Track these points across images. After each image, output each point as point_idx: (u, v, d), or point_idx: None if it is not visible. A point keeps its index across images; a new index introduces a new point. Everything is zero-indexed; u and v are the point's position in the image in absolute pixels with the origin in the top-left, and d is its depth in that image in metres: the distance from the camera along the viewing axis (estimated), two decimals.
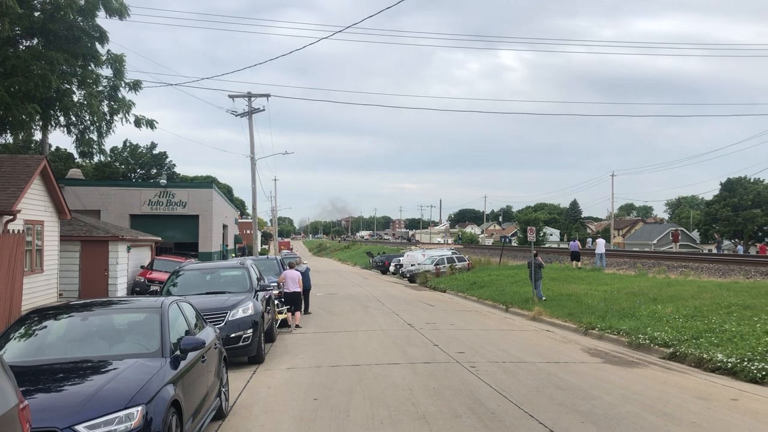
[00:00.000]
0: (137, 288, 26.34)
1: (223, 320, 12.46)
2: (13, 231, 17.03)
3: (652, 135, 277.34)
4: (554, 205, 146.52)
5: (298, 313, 18.99)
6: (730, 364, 11.45)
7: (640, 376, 11.46)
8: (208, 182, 54.66)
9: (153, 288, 25.12)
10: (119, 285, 24.94)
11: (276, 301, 18.09)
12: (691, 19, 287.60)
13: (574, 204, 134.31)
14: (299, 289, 19.27)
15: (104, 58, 24.66)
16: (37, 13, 22.50)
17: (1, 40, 20.83)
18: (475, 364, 12.47)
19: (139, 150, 75.45)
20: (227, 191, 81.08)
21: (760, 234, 75.86)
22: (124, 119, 25.63)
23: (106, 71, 25.13)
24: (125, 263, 25.99)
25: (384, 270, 55.37)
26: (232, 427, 8.40)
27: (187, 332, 7.69)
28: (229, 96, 39.14)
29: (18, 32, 22.69)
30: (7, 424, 3.86)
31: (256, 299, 14.00)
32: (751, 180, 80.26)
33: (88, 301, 8.31)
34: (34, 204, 18.86)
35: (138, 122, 26.03)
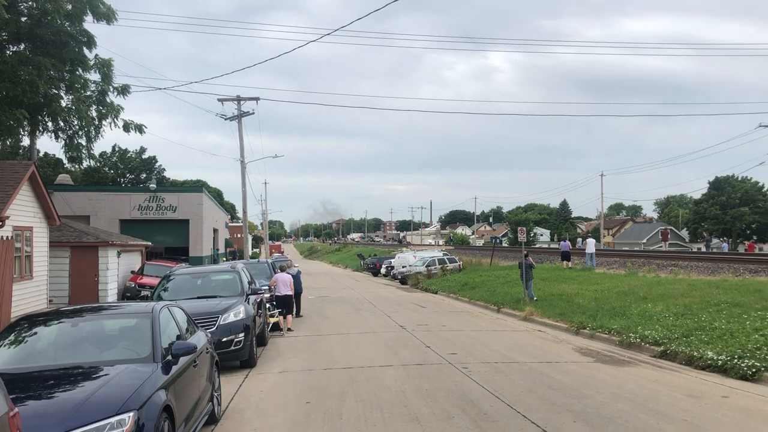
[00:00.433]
0: (128, 293, 26.22)
1: (214, 324, 12.41)
2: (2, 237, 16.92)
3: (640, 135, 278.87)
4: (544, 206, 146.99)
5: (289, 317, 18.96)
6: (720, 362, 11.52)
7: (631, 375, 11.51)
8: (198, 186, 54.57)
9: (144, 293, 25.01)
10: (110, 290, 24.81)
11: (267, 305, 18.04)
12: (676, 19, 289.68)
13: (564, 204, 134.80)
14: (291, 293, 19.24)
15: (92, 62, 24.51)
16: (24, 19, 22.35)
17: None
18: (467, 365, 12.49)
19: (129, 155, 75.19)
20: (217, 195, 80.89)
21: (748, 232, 76.36)
22: (112, 124, 25.47)
23: (94, 76, 24.98)
24: (115, 268, 25.86)
25: (375, 272, 55.37)
26: (225, 431, 8.37)
27: (179, 337, 7.66)
28: (219, 99, 39.11)
29: (5, 38, 22.55)
30: None
31: (248, 303, 13.96)
32: (739, 178, 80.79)
33: (78, 307, 8.26)
34: (22, 210, 18.75)
35: (127, 127, 25.88)
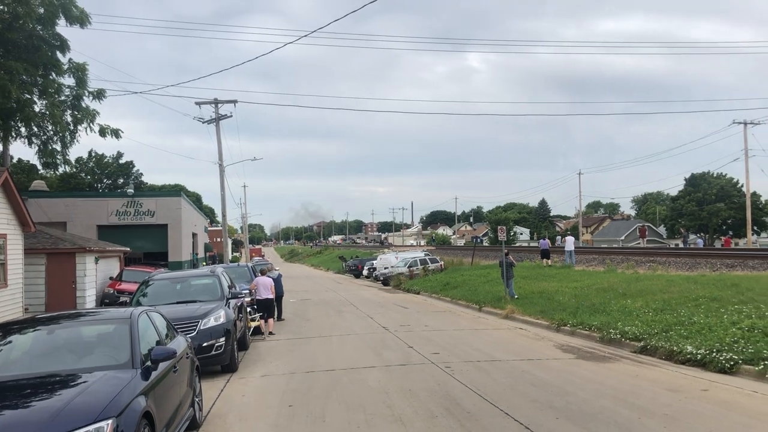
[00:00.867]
0: (106, 300, 25.90)
1: (194, 329, 12.30)
2: None
3: (617, 133, 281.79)
4: (523, 205, 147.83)
5: (271, 320, 18.84)
6: (699, 356, 11.64)
7: (612, 371, 11.59)
8: (176, 191, 54.06)
9: (123, 299, 24.71)
10: (88, 297, 24.48)
11: (248, 309, 17.92)
12: (652, 18, 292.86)
13: (543, 203, 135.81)
14: (272, 296, 19.12)
15: (66, 67, 24.24)
16: None
17: None
18: (450, 364, 12.50)
19: (105, 160, 74.36)
20: (196, 199, 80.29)
21: (724, 227, 77.41)
22: (88, 129, 25.22)
23: (69, 80, 24.71)
24: (93, 275, 25.53)
25: (357, 274, 55.33)
26: None
27: (158, 342, 7.57)
28: (196, 103, 38.83)
29: None
30: None
31: (228, 307, 13.84)
32: (715, 175, 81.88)
33: (54, 314, 8.12)
34: None
35: (103, 132, 25.63)
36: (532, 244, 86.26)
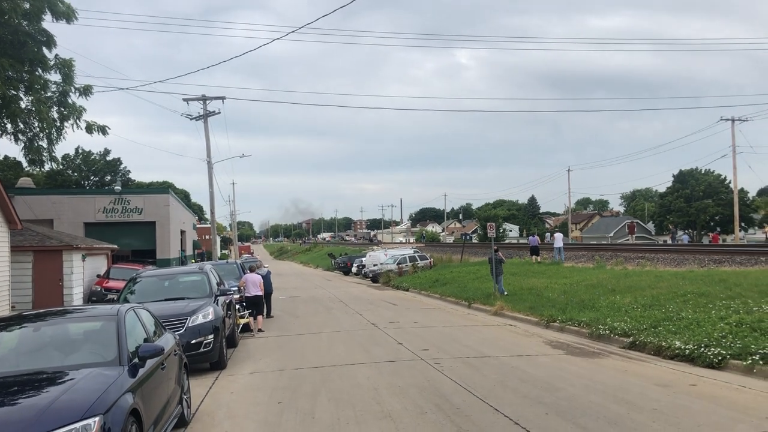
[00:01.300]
0: (94, 297, 25.72)
1: (183, 326, 12.24)
2: None
3: (605, 130, 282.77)
4: (513, 202, 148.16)
5: (260, 317, 18.79)
6: (687, 351, 11.70)
7: (601, 366, 11.62)
8: (164, 188, 53.85)
9: (110, 297, 24.54)
10: (75, 295, 24.30)
11: (237, 306, 17.86)
12: (640, 15, 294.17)
13: (533, 200, 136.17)
14: (261, 293, 19.07)
15: (52, 62, 23.97)
16: None
17: None
18: (439, 360, 12.50)
19: (92, 157, 73.95)
20: (184, 196, 79.96)
21: (712, 224, 77.93)
22: (75, 125, 24.94)
23: (55, 76, 24.43)
24: (80, 272, 25.34)
25: (346, 271, 55.31)
26: None
27: (146, 339, 7.51)
28: (184, 99, 38.55)
29: None
30: None
31: (217, 304, 13.79)
32: (702, 171, 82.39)
33: (41, 311, 8.05)
34: None
35: (90, 128, 25.37)
36: (521, 241, 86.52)
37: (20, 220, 20.91)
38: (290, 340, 16.48)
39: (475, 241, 76.14)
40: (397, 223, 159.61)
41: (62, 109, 24.45)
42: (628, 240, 67.44)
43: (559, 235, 35.92)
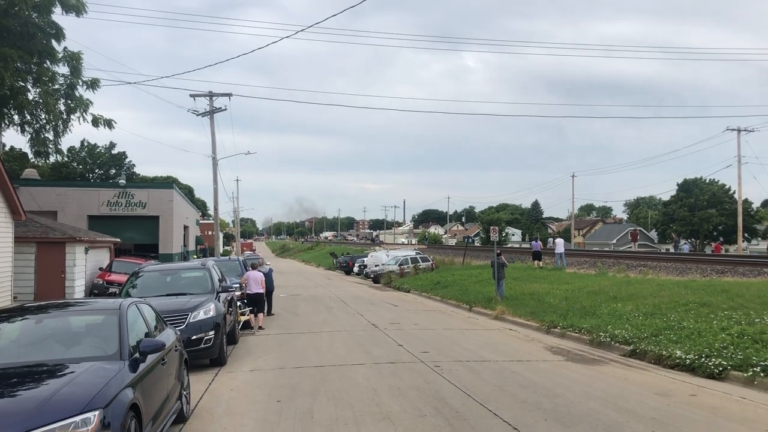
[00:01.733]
0: (95, 290, 25.77)
1: (184, 322, 12.25)
2: None
3: (611, 136, 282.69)
4: (516, 206, 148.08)
5: (261, 315, 18.80)
6: (688, 361, 11.67)
7: (601, 374, 11.60)
8: (168, 183, 53.84)
9: (112, 290, 24.60)
10: (77, 287, 24.35)
11: (238, 303, 17.87)
12: (647, 22, 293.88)
13: (536, 204, 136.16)
14: (262, 291, 19.08)
15: (61, 55, 24.07)
16: None
17: None
18: (439, 363, 12.49)
19: (98, 150, 74.03)
20: (188, 192, 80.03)
21: (715, 233, 77.73)
22: (81, 118, 25.06)
23: (63, 69, 24.55)
24: (83, 265, 25.39)
25: (348, 271, 55.29)
26: (194, 430, 8.25)
27: (147, 334, 7.52)
28: (191, 95, 38.60)
29: None
30: None
31: (218, 301, 13.80)
32: (707, 181, 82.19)
33: (43, 303, 8.06)
34: None
35: (96, 121, 25.47)
36: (523, 246, 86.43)
37: (24, 211, 20.96)
38: (290, 339, 16.49)
39: (478, 245, 76.06)
40: (399, 224, 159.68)
41: (69, 101, 24.54)
42: (630, 247, 67.35)
43: (560, 241, 35.88)
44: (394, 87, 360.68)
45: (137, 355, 6.67)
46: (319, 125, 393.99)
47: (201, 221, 70.01)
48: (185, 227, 46.15)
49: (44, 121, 24.37)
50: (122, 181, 40.31)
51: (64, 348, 6.70)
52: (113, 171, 73.17)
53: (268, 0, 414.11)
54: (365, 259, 51.89)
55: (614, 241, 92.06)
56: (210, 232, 69.51)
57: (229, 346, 14.60)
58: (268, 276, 21.15)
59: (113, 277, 26.27)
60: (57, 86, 24.33)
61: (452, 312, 23.39)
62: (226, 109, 39.53)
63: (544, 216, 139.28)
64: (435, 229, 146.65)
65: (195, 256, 46.78)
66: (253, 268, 20.13)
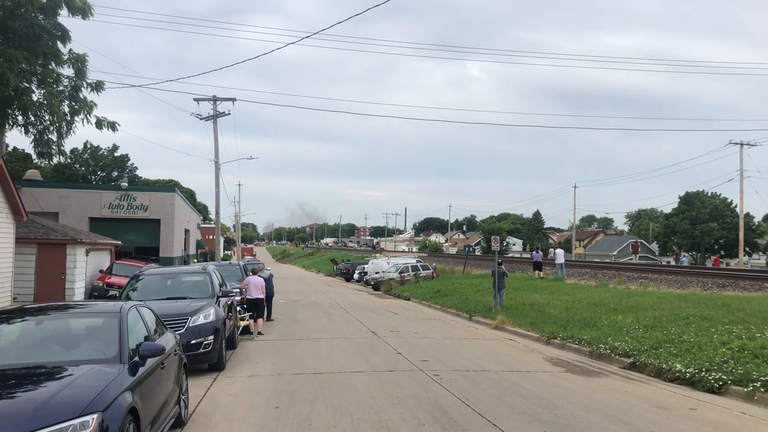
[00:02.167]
0: (95, 293, 25.76)
1: (183, 326, 12.23)
2: None
3: (613, 148, 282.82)
4: (517, 215, 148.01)
5: (260, 320, 18.77)
6: (688, 374, 11.64)
7: (601, 386, 11.57)
8: (170, 186, 53.97)
9: (112, 293, 24.58)
10: (77, 289, 24.33)
11: (238, 308, 17.85)
12: (652, 34, 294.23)
13: (537, 214, 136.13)
14: (262, 296, 19.05)
15: (66, 57, 24.15)
16: None
17: None
18: (438, 372, 12.45)
19: (100, 152, 74.18)
20: (190, 195, 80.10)
21: (716, 247, 77.67)
22: (85, 120, 25.12)
23: (68, 71, 24.63)
24: (83, 267, 25.38)
25: (348, 277, 55.28)
26: None
27: (147, 338, 7.50)
28: (194, 99, 38.69)
29: None
30: None
31: (218, 305, 13.78)
32: (709, 194, 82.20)
33: (43, 305, 8.05)
34: None
35: (99, 124, 25.54)
36: (524, 256, 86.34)
37: (26, 212, 20.97)
38: (290, 345, 16.45)
39: (478, 254, 76.06)
40: (400, 232, 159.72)
41: (73, 103, 24.61)
42: (631, 259, 67.21)
43: (560, 252, 35.88)
44: (397, 94, 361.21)
45: (137, 358, 6.64)
46: (322, 131, 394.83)
47: (202, 225, 70.04)
48: (186, 231, 46.16)
49: (48, 122, 24.42)
50: (124, 184, 40.36)
51: (64, 350, 6.68)
52: (115, 173, 73.32)
53: (274, 6, 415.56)
54: (366, 266, 51.90)
55: (615, 253, 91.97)
56: (211, 236, 69.54)
57: (228, 351, 14.57)
58: (268, 281, 21.14)
59: (113, 279, 26.26)
60: (61, 88, 24.40)
61: (452, 321, 23.35)
62: (229, 114, 39.66)
63: (545, 226, 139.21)
64: (436, 238, 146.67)
65: (195, 260, 46.79)
66: (254, 273, 20.12)
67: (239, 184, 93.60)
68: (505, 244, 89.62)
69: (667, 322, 16.01)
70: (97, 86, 25.13)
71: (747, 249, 68.54)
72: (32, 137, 24.70)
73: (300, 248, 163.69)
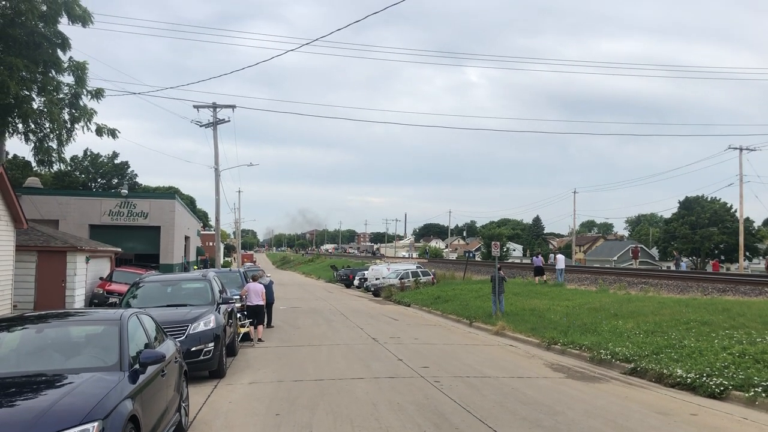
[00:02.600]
0: (96, 300, 25.74)
1: (184, 333, 12.22)
2: None
3: (613, 153, 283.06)
4: (517, 221, 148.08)
5: (260, 327, 18.75)
6: (689, 380, 11.62)
7: (602, 391, 11.55)
8: (170, 193, 53.92)
9: (112, 300, 24.57)
10: (77, 297, 24.32)
11: (238, 315, 17.84)
12: (652, 40, 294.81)
13: (537, 220, 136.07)
14: (262, 303, 19.05)
15: (66, 65, 24.19)
16: None
17: None
18: (439, 378, 12.44)
19: (100, 159, 74.24)
20: (190, 202, 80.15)
21: (716, 252, 77.59)
22: (85, 128, 25.14)
23: (68, 78, 24.66)
24: (83, 274, 25.38)
25: (348, 284, 55.23)
26: None
27: (147, 345, 7.50)
28: (194, 106, 38.75)
29: None
30: None
31: (218, 312, 13.77)
32: (708, 199, 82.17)
33: (43, 312, 8.05)
34: None
35: (100, 131, 25.56)
36: (524, 261, 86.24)
37: (26, 220, 20.99)
38: (290, 351, 16.44)
39: (479, 259, 76.01)
40: (400, 238, 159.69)
41: (73, 111, 24.63)
42: (631, 264, 67.17)
43: (561, 257, 35.86)
44: (397, 101, 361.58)
45: (137, 366, 6.64)
46: (322, 137, 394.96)
47: (202, 232, 70.02)
48: (186, 238, 46.17)
49: (48, 130, 24.44)
50: (124, 191, 40.35)
51: (64, 358, 6.68)
52: (115, 180, 73.31)
53: (274, 13, 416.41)
54: (366, 272, 51.85)
55: (615, 258, 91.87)
56: (211, 243, 69.52)
57: (229, 358, 14.56)
58: (268, 288, 21.13)
59: (114, 286, 26.24)
60: (62, 95, 24.43)
61: (452, 327, 23.32)
62: (229, 121, 39.69)
63: (545, 232, 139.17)
64: (436, 243, 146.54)
65: (196, 267, 46.76)
66: (254, 279, 20.11)
67: (239, 191, 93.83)
68: (505, 249, 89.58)
69: (668, 327, 16.00)
70: (97, 94, 25.16)
71: (747, 253, 68.48)
72: (32, 145, 24.72)
73: (300, 255, 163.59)
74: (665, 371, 12.38)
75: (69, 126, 24.76)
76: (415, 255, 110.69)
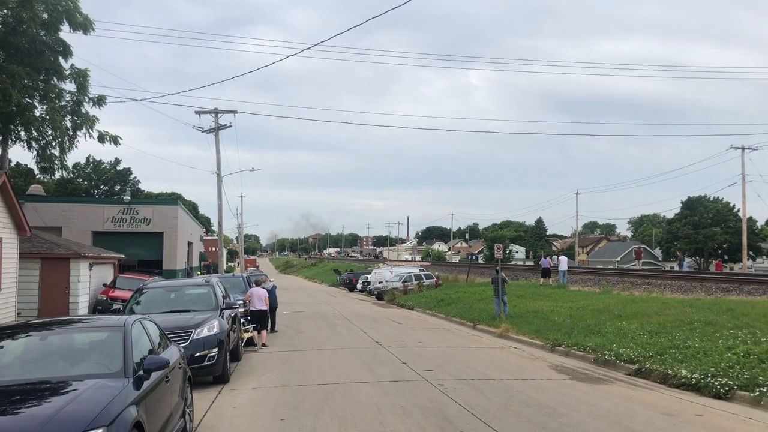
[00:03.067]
0: (99, 306, 25.76)
1: (187, 339, 12.22)
2: None
3: (614, 154, 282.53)
4: (520, 223, 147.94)
5: (264, 332, 18.74)
6: (694, 380, 11.60)
7: (606, 393, 11.53)
8: (173, 199, 54.04)
9: (115, 306, 24.59)
10: (80, 303, 24.36)
11: (242, 320, 17.83)
12: (653, 41, 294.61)
13: (540, 222, 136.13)
14: (265, 307, 19.03)
15: (68, 72, 24.29)
16: None
17: None
18: (443, 381, 12.43)
19: (103, 166, 74.45)
20: (192, 208, 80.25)
21: (719, 251, 77.49)
22: (87, 135, 25.25)
23: (70, 86, 24.79)
24: (87, 281, 25.42)
25: (351, 287, 55.23)
26: None
27: (151, 351, 7.50)
28: (196, 112, 38.86)
29: None
30: None
31: (222, 317, 13.77)
32: (711, 198, 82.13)
33: (47, 319, 8.06)
34: None
35: (102, 138, 25.65)
36: (527, 263, 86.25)
37: (29, 227, 21.04)
38: (294, 356, 16.43)
39: (482, 262, 76.02)
40: (403, 241, 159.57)
41: (75, 118, 24.72)
42: (635, 265, 67.14)
43: (563, 258, 35.86)
44: (398, 104, 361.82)
45: (141, 372, 6.64)
46: (323, 142, 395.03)
47: (205, 237, 70.10)
48: (189, 243, 46.20)
49: (50, 137, 24.54)
50: (127, 198, 40.41)
51: (68, 365, 6.68)
52: (118, 187, 73.49)
53: (274, 18, 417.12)
54: (369, 276, 51.87)
55: (618, 259, 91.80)
56: (214, 249, 69.59)
57: (233, 364, 14.55)
58: (271, 292, 21.12)
59: (117, 293, 26.27)
60: (63, 103, 24.54)
61: (456, 330, 23.31)
62: (231, 126, 39.78)
63: (547, 233, 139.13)
64: (439, 246, 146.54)
65: (199, 273, 46.80)
66: (257, 284, 20.11)
67: (242, 196, 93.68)
68: (507, 251, 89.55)
69: (672, 328, 15.97)
70: (99, 101, 25.25)
71: (750, 253, 68.39)
72: (35, 152, 24.84)
73: (303, 259, 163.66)
74: (670, 372, 12.36)
75: (71, 133, 24.86)
76: (417, 258, 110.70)
